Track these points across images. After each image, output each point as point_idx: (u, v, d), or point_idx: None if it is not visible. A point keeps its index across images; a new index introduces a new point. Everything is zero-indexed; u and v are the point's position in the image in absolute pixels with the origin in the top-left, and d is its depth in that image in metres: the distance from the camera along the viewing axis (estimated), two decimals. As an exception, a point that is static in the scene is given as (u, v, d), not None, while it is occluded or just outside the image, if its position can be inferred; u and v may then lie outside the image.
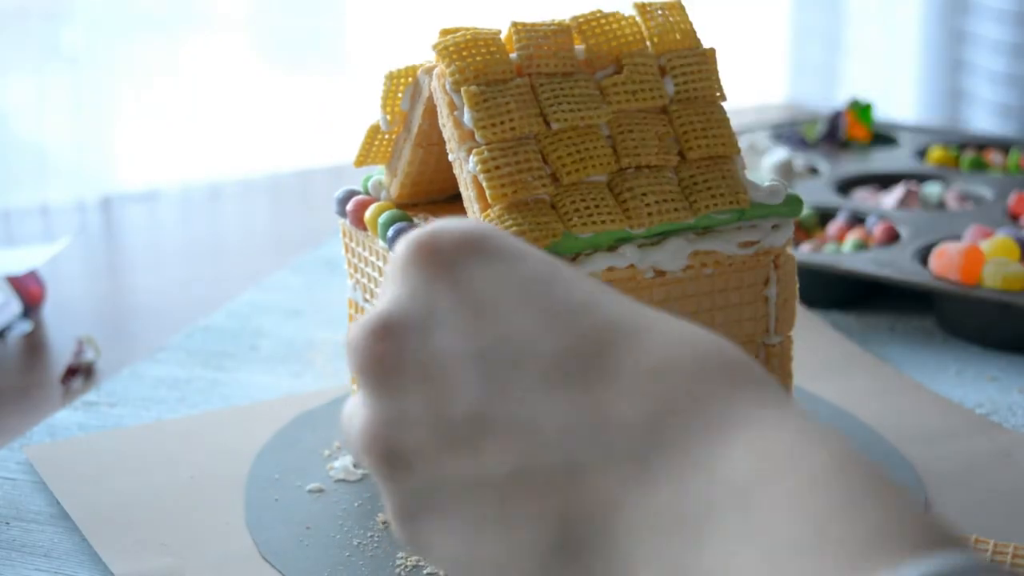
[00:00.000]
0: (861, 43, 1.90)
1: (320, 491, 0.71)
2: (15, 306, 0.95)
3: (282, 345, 0.91)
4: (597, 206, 0.63)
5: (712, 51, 0.68)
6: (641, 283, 0.65)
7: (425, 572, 0.63)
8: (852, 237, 0.98)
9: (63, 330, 0.96)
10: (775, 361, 0.69)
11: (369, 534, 0.67)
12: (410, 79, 0.68)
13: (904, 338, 0.91)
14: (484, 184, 0.62)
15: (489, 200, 0.62)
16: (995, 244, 0.90)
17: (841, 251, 0.97)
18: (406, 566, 0.64)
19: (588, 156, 0.64)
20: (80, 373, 0.88)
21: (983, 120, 1.81)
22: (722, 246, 0.66)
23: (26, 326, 0.96)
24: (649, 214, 0.64)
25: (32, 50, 1.34)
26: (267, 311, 0.96)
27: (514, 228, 0.61)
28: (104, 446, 0.76)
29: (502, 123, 0.63)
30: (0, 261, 0.97)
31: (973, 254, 0.88)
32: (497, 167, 0.62)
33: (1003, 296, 0.86)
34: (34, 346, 0.95)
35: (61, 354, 0.92)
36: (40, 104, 1.34)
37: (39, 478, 0.72)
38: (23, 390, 0.87)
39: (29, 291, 0.97)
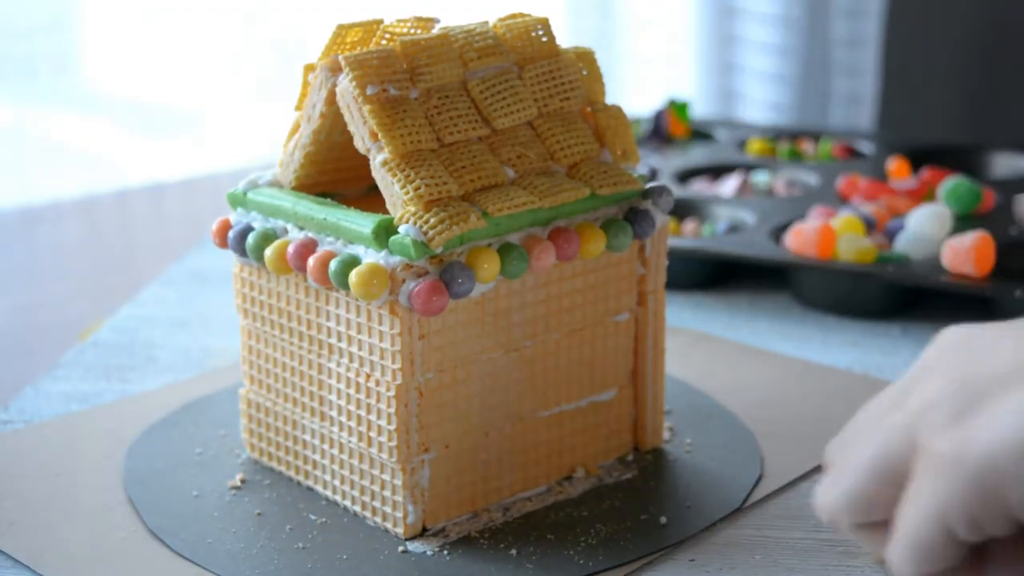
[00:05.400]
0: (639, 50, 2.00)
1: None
2: None
3: (179, 355, 0.91)
4: (507, 194, 0.67)
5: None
6: None
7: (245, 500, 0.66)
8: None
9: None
10: (623, 337, 0.74)
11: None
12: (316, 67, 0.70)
13: (765, 313, 0.98)
14: (398, 191, 0.65)
15: (407, 203, 0.65)
16: (843, 222, 0.98)
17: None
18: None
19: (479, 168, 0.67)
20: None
21: (756, 118, 1.92)
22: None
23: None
24: (555, 193, 0.68)
25: None
26: (152, 324, 0.96)
27: (434, 220, 0.64)
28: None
29: (405, 135, 0.66)
30: None
31: (827, 232, 0.96)
32: (407, 176, 0.65)
33: (859, 268, 0.94)
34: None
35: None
36: None
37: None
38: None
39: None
